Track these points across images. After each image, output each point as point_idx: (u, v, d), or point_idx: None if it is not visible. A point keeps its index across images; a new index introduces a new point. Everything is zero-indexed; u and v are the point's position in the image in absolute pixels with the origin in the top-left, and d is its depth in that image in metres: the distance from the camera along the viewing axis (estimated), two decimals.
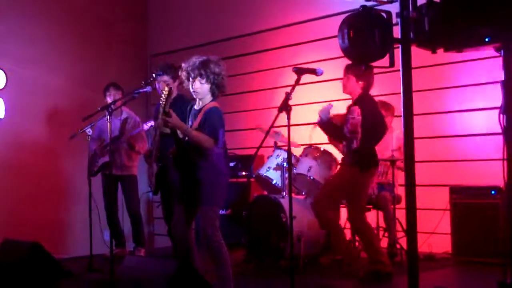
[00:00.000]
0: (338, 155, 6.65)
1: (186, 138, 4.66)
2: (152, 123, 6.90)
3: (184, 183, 4.78)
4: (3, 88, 7.19)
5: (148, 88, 6.13)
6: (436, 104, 7.06)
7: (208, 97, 4.77)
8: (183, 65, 4.79)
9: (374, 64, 3.52)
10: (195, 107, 4.86)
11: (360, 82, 5.83)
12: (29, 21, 8.25)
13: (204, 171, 4.65)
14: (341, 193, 5.92)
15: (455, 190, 6.56)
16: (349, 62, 4.19)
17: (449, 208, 6.58)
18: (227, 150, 4.96)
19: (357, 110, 5.66)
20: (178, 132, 4.65)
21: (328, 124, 5.96)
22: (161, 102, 4.51)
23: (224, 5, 9.11)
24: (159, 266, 4.58)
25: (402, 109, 3.46)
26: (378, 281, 5.53)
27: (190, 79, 4.73)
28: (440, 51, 3.54)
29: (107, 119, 5.74)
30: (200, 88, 4.72)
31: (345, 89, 5.97)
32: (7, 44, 7.90)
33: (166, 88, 4.52)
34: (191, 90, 4.76)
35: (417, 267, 3.41)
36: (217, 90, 4.75)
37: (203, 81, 4.70)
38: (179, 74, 4.91)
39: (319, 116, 5.92)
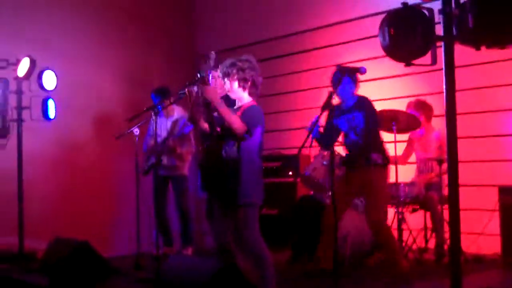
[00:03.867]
0: None
1: (219, 130, 4.60)
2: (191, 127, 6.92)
3: (218, 181, 4.63)
4: (54, 89, 7.31)
5: (194, 88, 6.15)
6: (485, 103, 6.94)
7: (245, 96, 4.75)
8: (219, 66, 4.82)
9: (416, 62, 3.47)
10: (235, 107, 4.85)
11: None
12: (78, 21, 8.37)
13: (242, 168, 4.53)
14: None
15: (504, 190, 6.43)
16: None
17: (498, 208, 6.46)
18: (262, 150, 4.87)
19: None
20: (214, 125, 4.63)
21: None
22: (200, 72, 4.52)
23: (270, 4, 9.11)
24: (204, 265, 4.59)
25: (445, 108, 3.41)
26: None
27: (224, 82, 4.76)
28: (485, 49, 3.48)
29: (152, 119, 5.80)
30: (230, 88, 4.74)
31: None
32: (56, 44, 8.03)
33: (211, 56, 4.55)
34: (227, 90, 4.79)
35: (459, 268, 3.35)
36: (247, 84, 4.70)
37: (229, 79, 4.71)
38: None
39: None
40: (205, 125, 4.66)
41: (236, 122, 4.48)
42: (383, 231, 5.69)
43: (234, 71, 4.68)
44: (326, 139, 5.74)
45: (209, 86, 4.48)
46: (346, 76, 5.50)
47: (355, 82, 5.71)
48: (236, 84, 4.71)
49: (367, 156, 5.60)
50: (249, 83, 4.71)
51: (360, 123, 5.64)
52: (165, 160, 7.30)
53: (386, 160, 5.71)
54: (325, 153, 6.72)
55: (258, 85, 4.77)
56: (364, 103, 5.68)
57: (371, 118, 5.63)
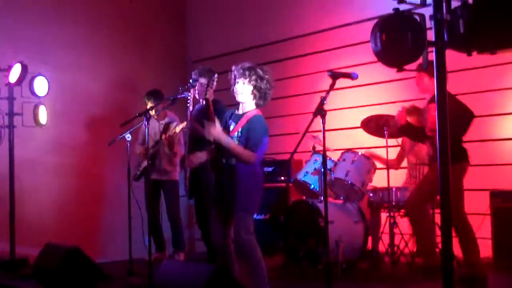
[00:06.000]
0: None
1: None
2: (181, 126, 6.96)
3: (219, 187, 4.81)
4: (45, 95, 7.29)
5: (186, 94, 6.17)
6: (477, 107, 6.97)
7: (250, 103, 4.78)
8: (233, 67, 4.83)
9: (407, 67, 3.49)
10: (237, 112, 4.87)
11: (432, 78, 5.77)
12: (69, 27, 8.38)
13: (241, 176, 4.67)
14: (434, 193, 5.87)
15: (495, 194, 6.47)
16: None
17: (489, 212, 6.48)
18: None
19: (434, 107, 5.64)
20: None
21: (408, 128, 5.96)
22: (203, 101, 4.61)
23: (261, 11, 9.13)
24: (196, 271, 4.60)
25: (436, 113, 3.43)
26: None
27: (236, 81, 4.77)
28: (476, 54, 3.50)
29: (144, 124, 5.81)
30: (242, 90, 4.74)
31: (420, 89, 5.97)
32: (47, 50, 8.04)
33: (207, 96, 4.62)
34: (234, 91, 4.79)
35: (452, 272, 3.37)
36: (259, 94, 4.74)
37: (245, 81, 4.72)
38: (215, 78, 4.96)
39: (399, 123, 5.93)
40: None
41: (244, 155, 4.63)
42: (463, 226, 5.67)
43: (254, 77, 4.71)
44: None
45: (214, 128, 4.58)
46: None
47: None
48: (250, 89, 4.74)
49: None
50: (261, 90, 4.74)
51: None
52: (156, 163, 7.32)
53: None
54: (317, 157, 6.76)
55: (267, 100, 4.81)
56: None
57: None
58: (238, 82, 4.74)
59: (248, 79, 4.71)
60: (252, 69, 4.73)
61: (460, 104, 5.82)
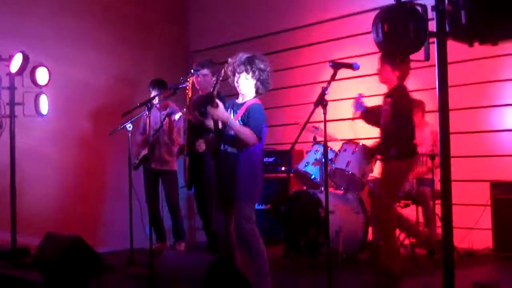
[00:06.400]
0: None
1: (225, 131, 4.71)
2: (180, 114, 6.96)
3: (220, 175, 4.81)
4: (46, 84, 7.29)
5: (187, 84, 6.18)
6: (477, 98, 6.97)
7: (252, 93, 4.80)
8: (229, 60, 4.82)
9: (411, 57, 3.49)
10: (237, 101, 4.88)
11: (395, 72, 5.79)
12: (71, 18, 8.36)
13: (241, 164, 4.67)
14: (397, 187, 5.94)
15: (496, 185, 6.48)
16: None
17: (489, 203, 6.49)
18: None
19: (388, 101, 5.66)
20: (219, 123, 4.70)
21: (368, 114, 5.96)
22: (211, 90, 4.62)
23: (262, 1, 9.12)
24: (197, 261, 4.61)
25: (438, 103, 3.43)
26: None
27: (236, 74, 4.76)
28: (477, 45, 3.49)
29: (146, 114, 5.82)
30: (245, 84, 4.75)
31: (381, 78, 5.96)
32: (49, 41, 8.03)
33: (215, 78, 4.62)
34: (236, 85, 4.79)
35: (452, 263, 3.37)
36: (262, 86, 4.76)
37: (248, 76, 4.72)
38: (224, 69, 4.95)
39: (355, 110, 5.93)
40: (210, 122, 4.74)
41: (249, 136, 4.61)
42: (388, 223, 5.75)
43: (256, 71, 4.71)
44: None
45: (217, 109, 4.57)
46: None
47: None
48: (253, 83, 4.75)
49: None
50: (264, 82, 4.76)
51: None
52: (156, 152, 7.33)
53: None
54: (318, 148, 6.76)
55: (267, 89, 4.83)
56: None
57: None
58: (240, 77, 4.74)
59: (251, 74, 4.72)
60: (252, 62, 4.72)
61: (413, 101, 5.89)
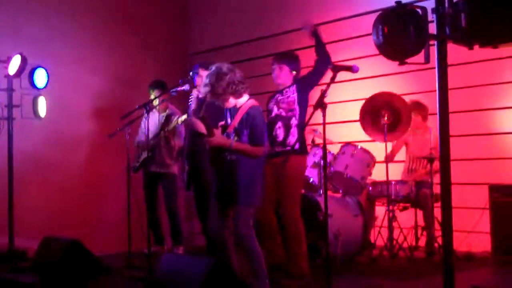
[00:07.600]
0: (376, 153, 6.63)
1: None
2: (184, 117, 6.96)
3: (220, 181, 4.80)
4: (45, 87, 7.27)
5: (186, 86, 6.18)
6: (476, 101, 6.97)
7: (241, 99, 4.80)
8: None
9: (409, 60, 3.49)
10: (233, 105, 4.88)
11: (293, 72, 5.83)
12: (69, 19, 8.35)
13: (242, 170, 4.68)
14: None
15: (494, 189, 6.47)
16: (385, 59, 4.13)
17: (488, 206, 6.49)
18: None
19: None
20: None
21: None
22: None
23: (262, 4, 9.10)
24: (196, 264, 4.60)
25: (437, 106, 3.43)
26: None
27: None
28: (477, 48, 3.50)
29: (145, 116, 5.81)
30: (227, 103, 4.79)
31: (278, 79, 5.94)
32: (48, 44, 8.01)
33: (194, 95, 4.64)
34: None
35: (452, 266, 3.37)
36: (237, 92, 4.73)
37: (222, 97, 4.73)
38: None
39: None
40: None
41: (253, 152, 4.65)
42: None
43: (228, 89, 4.69)
44: None
45: (213, 138, 4.60)
46: None
47: None
48: (231, 99, 4.75)
49: None
50: (237, 87, 4.73)
51: None
52: (156, 155, 7.30)
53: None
54: (316, 150, 6.75)
55: (247, 88, 4.80)
56: None
57: None
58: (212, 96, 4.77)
59: (222, 96, 4.72)
60: (215, 84, 4.69)
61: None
